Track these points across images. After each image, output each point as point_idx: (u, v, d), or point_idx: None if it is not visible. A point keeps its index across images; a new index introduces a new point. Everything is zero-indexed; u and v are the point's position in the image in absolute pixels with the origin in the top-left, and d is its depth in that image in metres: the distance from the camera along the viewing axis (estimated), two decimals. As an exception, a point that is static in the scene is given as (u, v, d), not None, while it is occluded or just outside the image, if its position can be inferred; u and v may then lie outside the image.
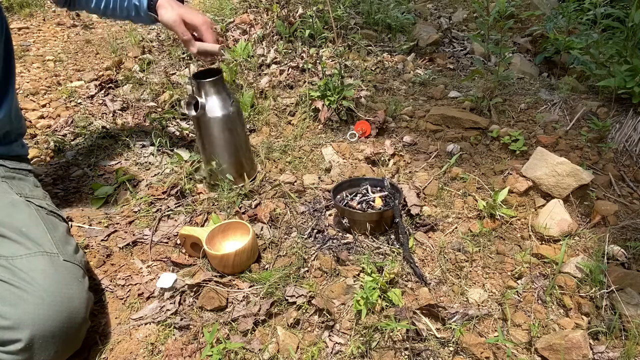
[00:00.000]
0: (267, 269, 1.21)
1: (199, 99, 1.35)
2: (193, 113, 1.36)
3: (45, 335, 0.86)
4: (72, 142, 1.77)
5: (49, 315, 0.87)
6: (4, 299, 0.87)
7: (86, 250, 1.29)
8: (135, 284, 1.19)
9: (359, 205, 1.36)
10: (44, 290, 0.89)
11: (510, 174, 1.46)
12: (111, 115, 1.94)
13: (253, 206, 1.42)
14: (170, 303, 1.12)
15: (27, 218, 1.05)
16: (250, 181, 1.49)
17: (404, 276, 1.17)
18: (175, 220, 1.41)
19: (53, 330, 0.87)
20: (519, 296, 1.11)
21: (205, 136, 1.41)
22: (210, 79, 1.35)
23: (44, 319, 0.87)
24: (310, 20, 2.33)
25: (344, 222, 1.29)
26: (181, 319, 1.08)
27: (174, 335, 1.05)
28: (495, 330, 1.03)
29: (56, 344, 0.88)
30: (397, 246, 1.25)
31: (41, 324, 0.86)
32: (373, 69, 2.24)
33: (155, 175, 1.61)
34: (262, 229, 1.34)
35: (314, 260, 1.22)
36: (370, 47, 2.40)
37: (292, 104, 1.94)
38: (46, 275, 0.92)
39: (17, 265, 0.91)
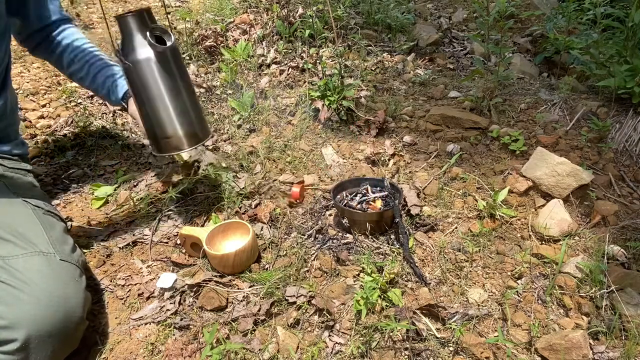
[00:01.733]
0: (267, 269, 1.21)
1: (162, 32, 1.13)
2: (148, 53, 1.11)
3: (41, 335, 0.86)
4: (72, 142, 1.77)
5: (45, 315, 0.87)
6: (0, 298, 0.87)
7: (86, 250, 1.29)
8: (135, 284, 1.19)
9: (359, 205, 1.36)
10: (40, 290, 0.89)
11: (510, 174, 1.46)
12: (111, 115, 1.94)
13: (253, 206, 1.42)
14: (170, 303, 1.12)
15: (23, 218, 1.05)
16: (202, 144, 1.26)
17: (404, 276, 1.17)
18: (175, 220, 1.40)
19: (49, 329, 0.87)
20: (519, 296, 1.11)
21: (137, 85, 1.16)
22: (134, 13, 1.12)
23: (40, 318, 0.86)
24: (310, 20, 2.33)
25: (344, 222, 1.29)
26: (181, 319, 1.08)
27: (174, 335, 1.05)
28: (495, 330, 1.03)
29: (53, 344, 0.88)
30: (397, 246, 1.25)
31: (37, 324, 0.86)
32: (373, 69, 2.24)
33: (155, 175, 1.61)
34: (262, 229, 1.34)
35: (314, 260, 1.22)
36: (370, 47, 2.40)
37: (292, 104, 1.94)
38: (42, 275, 0.92)
39: (14, 265, 0.91)
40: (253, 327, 1.05)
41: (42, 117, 1.93)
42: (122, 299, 1.16)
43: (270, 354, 0.99)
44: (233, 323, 1.06)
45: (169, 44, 1.14)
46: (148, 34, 1.12)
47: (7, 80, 1.26)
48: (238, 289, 1.15)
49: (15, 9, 1.27)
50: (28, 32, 1.36)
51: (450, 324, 1.04)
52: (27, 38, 1.37)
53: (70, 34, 1.39)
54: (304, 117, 1.85)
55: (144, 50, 1.12)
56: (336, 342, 1.01)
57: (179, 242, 1.30)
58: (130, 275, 1.22)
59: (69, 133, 1.83)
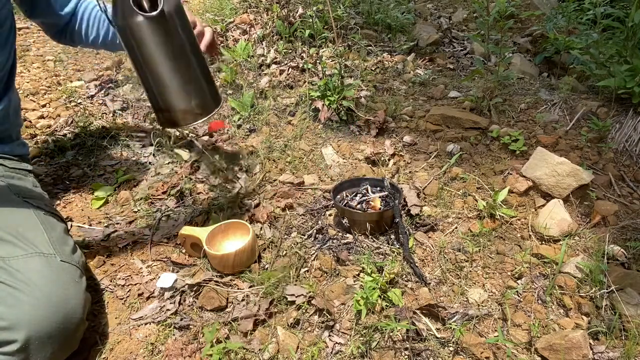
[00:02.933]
0: (267, 269, 1.21)
1: None
2: (139, 17, 0.92)
3: (41, 336, 0.86)
4: (72, 142, 1.77)
5: (45, 316, 0.87)
6: (0, 299, 0.87)
7: (86, 250, 1.29)
8: (135, 284, 1.19)
9: (359, 205, 1.36)
10: (40, 290, 0.89)
11: (510, 174, 1.46)
12: (111, 115, 1.94)
13: (253, 206, 1.42)
14: (170, 303, 1.12)
15: (24, 219, 1.05)
16: (217, 110, 1.10)
17: (404, 276, 1.17)
18: (175, 220, 1.40)
19: (49, 330, 0.87)
20: (519, 296, 1.11)
21: (137, 53, 0.99)
22: None
23: (40, 319, 0.86)
24: (310, 20, 2.33)
25: (344, 222, 1.29)
26: (181, 319, 1.08)
27: (174, 335, 1.05)
28: (495, 330, 1.03)
29: (52, 345, 0.88)
30: (397, 246, 1.25)
31: (37, 325, 0.86)
32: (373, 69, 2.23)
33: (155, 175, 1.61)
34: (262, 229, 1.34)
35: (314, 260, 1.22)
36: (370, 47, 2.40)
37: (292, 104, 1.94)
38: (42, 276, 0.92)
39: (14, 266, 0.91)
40: (253, 327, 1.05)
41: (42, 117, 1.93)
42: (122, 299, 1.16)
43: (270, 354, 0.99)
44: (233, 323, 1.06)
45: (160, 7, 0.94)
46: None
47: (11, 82, 1.27)
48: (238, 289, 1.15)
49: (33, 12, 1.30)
50: (56, 29, 1.36)
51: (450, 324, 1.04)
52: (57, 33, 1.38)
53: (89, 8, 1.36)
54: (304, 117, 1.85)
55: (132, 14, 0.93)
56: (336, 342, 1.01)
57: (179, 242, 1.30)
58: (130, 275, 1.22)
59: (69, 133, 1.83)
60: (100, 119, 1.91)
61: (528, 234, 1.29)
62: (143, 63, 1.00)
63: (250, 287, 1.15)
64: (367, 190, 1.41)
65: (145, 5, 0.96)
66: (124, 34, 0.98)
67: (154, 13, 0.94)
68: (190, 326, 1.06)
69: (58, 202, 1.49)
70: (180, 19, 1.01)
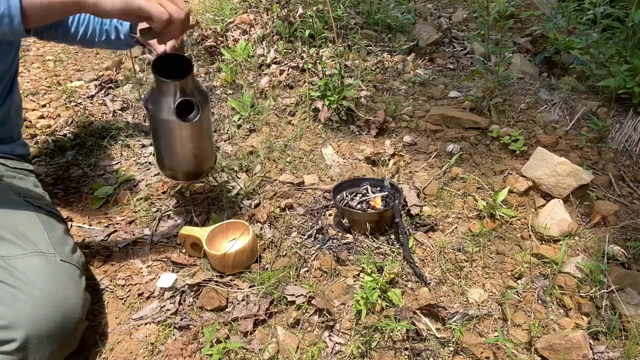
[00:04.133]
0: (267, 269, 1.21)
1: (193, 100, 1.09)
2: (173, 119, 1.07)
3: (40, 335, 0.86)
4: (72, 142, 1.77)
5: (45, 315, 0.87)
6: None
7: (86, 250, 1.29)
8: (135, 284, 1.19)
9: (359, 205, 1.36)
10: (40, 290, 0.89)
11: (510, 174, 1.46)
12: (111, 115, 1.94)
13: (253, 206, 1.42)
14: (170, 303, 1.12)
15: (25, 218, 1.05)
16: (213, 169, 1.31)
17: (404, 276, 1.17)
18: (175, 220, 1.41)
19: (48, 330, 0.87)
20: (519, 296, 1.11)
21: (162, 134, 1.14)
22: (173, 81, 1.05)
23: (39, 318, 0.86)
24: (310, 20, 2.33)
25: (344, 222, 1.29)
26: (181, 319, 1.08)
27: (174, 335, 1.05)
28: (495, 330, 1.03)
29: (51, 344, 0.88)
30: (397, 246, 1.25)
31: (36, 324, 0.86)
32: (373, 69, 2.23)
33: (155, 175, 1.61)
34: (262, 229, 1.34)
35: (314, 260, 1.22)
36: (370, 47, 2.40)
37: (292, 104, 1.94)
38: (42, 275, 0.92)
39: (14, 265, 0.91)
40: (253, 327, 1.05)
41: (42, 117, 1.93)
42: (122, 299, 1.16)
43: (270, 354, 0.99)
44: (233, 323, 1.06)
45: (198, 116, 1.09)
46: (177, 103, 1.06)
47: (15, 83, 1.27)
48: (238, 289, 1.15)
49: None
50: (42, 28, 1.36)
51: (450, 324, 1.04)
52: (40, 32, 1.38)
53: None
54: (304, 117, 1.85)
55: (168, 114, 1.07)
56: (336, 342, 1.01)
57: (179, 242, 1.30)
58: (130, 275, 1.22)
59: (69, 133, 1.83)
60: (100, 119, 1.91)
61: (528, 234, 1.29)
62: (164, 141, 1.15)
63: (250, 287, 1.15)
64: (367, 190, 1.41)
65: (177, 93, 1.07)
66: (155, 120, 1.12)
67: (193, 120, 1.09)
68: (190, 326, 1.06)
69: (58, 202, 1.49)
70: (206, 114, 1.16)
